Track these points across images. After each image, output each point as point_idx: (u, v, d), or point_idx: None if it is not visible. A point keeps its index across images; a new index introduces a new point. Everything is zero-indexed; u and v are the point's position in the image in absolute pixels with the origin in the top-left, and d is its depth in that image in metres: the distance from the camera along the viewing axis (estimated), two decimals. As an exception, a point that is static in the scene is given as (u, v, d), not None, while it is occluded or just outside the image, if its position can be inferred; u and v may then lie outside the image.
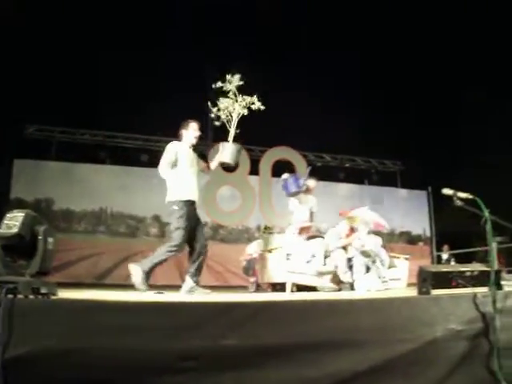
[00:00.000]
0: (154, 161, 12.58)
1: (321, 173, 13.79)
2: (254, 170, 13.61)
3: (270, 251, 6.67)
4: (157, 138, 13.29)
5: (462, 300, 3.00)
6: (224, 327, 2.21)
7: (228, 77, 5.08)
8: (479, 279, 3.30)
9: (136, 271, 4.74)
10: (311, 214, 6.91)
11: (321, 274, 6.23)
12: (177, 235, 4.82)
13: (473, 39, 11.85)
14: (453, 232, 13.66)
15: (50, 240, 2.52)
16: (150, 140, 13.41)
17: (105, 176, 12.60)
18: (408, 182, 15.53)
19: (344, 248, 6.21)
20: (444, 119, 13.68)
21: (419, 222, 15.40)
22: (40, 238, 2.46)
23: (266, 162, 13.67)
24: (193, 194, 5.08)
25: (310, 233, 6.73)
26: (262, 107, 5.10)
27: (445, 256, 13.78)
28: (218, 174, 13.00)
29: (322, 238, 6.46)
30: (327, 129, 12.80)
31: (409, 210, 15.17)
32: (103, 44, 11.11)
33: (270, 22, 11.43)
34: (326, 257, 6.37)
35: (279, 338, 2.32)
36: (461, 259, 12.36)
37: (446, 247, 14.01)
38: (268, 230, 7.62)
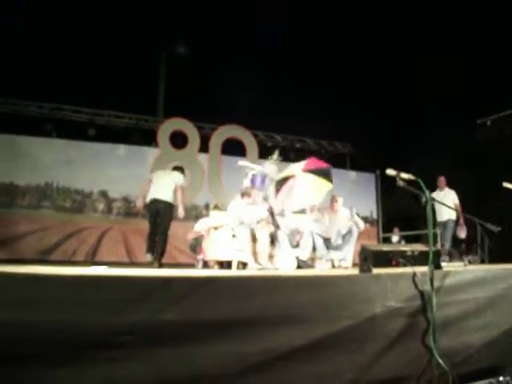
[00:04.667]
0: (101, 135, 12.55)
1: (272, 153, 13.85)
2: (204, 148, 13.45)
3: (215, 228, 6.66)
4: (107, 112, 13.06)
5: (401, 278, 3.06)
6: (162, 301, 2.17)
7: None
8: (420, 259, 3.37)
9: None
10: None
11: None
12: None
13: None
14: (401, 215, 13.96)
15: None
16: (99, 114, 13.07)
17: (50, 150, 12.15)
18: (357, 164, 15.74)
19: None
20: (397, 104, 13.91)
21: (367, 204, 15.63)
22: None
23: (217, 140, 13.55)
24: None
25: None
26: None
27: (395, 238, 14.08)
28: (166, 151, 12.85)
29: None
30: (279, 109, 12.85)
31: (357, 192, 15.37)
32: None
33: None
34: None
35: (217, 314, 2.30)
36: (412, 241, 12.63)
37: (396, 230, 14.32)
38: (217, 208, 7.60)
